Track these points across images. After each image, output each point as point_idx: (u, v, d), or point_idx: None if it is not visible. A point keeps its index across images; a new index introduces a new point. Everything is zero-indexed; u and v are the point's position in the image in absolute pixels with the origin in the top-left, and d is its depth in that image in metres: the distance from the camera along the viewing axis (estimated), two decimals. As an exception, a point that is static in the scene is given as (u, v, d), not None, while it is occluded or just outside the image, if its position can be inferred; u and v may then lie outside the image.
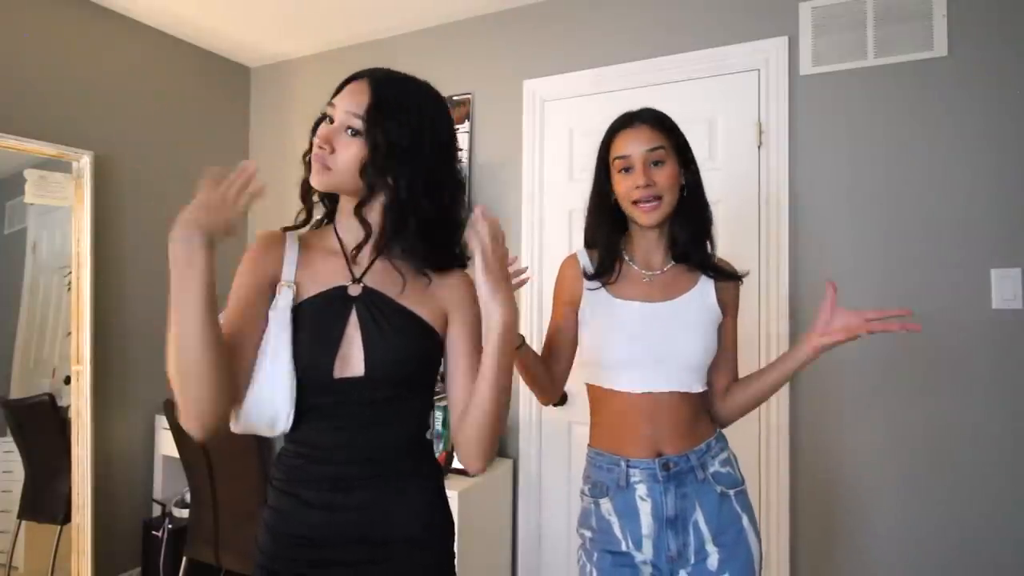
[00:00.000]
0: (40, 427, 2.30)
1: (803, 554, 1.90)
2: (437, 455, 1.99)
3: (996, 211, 1.72)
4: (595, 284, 1.19)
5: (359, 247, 0.92)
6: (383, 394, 0.90)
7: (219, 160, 3.35)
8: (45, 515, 2.27)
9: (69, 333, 2.30)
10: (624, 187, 1.15)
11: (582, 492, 1.21)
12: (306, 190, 0.96)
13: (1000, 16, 1.73)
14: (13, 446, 2.24)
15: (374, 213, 0.92)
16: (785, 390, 1.91)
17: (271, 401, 0.86)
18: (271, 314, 0.89)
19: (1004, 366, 1.70)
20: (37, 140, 2.20)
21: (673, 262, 1.21)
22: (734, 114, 2.03)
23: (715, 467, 1.15)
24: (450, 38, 2.53)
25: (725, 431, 1.25)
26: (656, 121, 1.17)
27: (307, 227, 1.00)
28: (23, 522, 2.25)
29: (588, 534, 1.17)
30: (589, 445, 1.23)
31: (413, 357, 0.92)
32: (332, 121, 0.89)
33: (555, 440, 2.27)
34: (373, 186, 0.88)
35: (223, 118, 2.97)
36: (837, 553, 1.87)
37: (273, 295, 0.91)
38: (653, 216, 1.14)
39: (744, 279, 1.23)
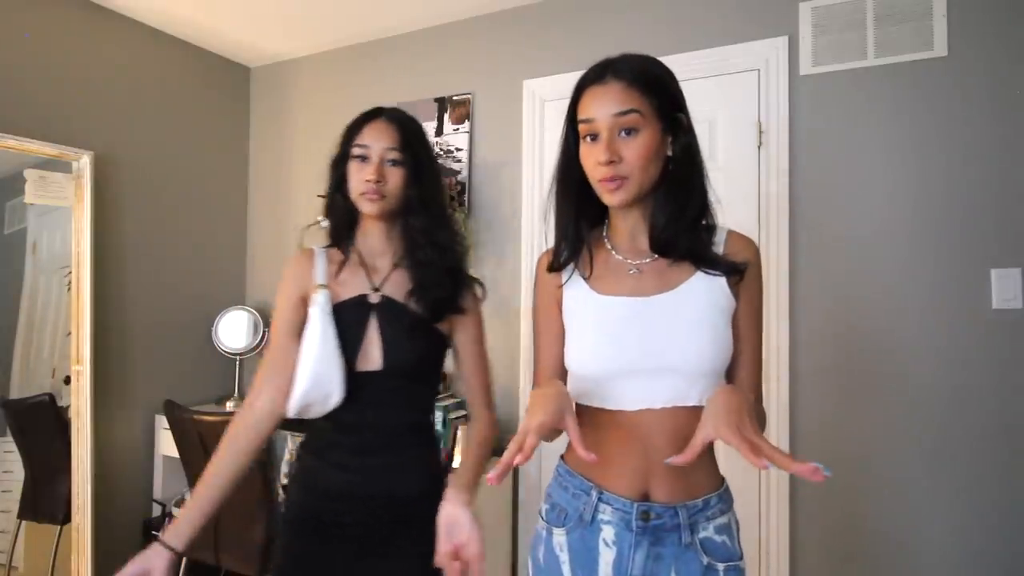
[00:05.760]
0: (40, 427, 2.29)
1: (803, 554, 1.90)
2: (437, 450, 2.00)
3: (996, 211, 1.72)
4: (578, 283, 0.97)
5: (413, 257, 1.14)
6: (397, 383, 1.11)
7: (219, 160, 3.37)
8: (45, 515, 2.26)
9: (69, 333, 2.30)
10: (589, 161, 0.90)
11: (539, 511, 1.02)
12: (339, 220, 1.17)
13: (1000, 16, 1.73)
14: (13, 446, 2.23)
15: (400, 227, 1.15)
16: (785, 390, 1.91)
17: (328, 378, 1.05)
18: (313, 311, 1.08)
19: (1004, 366, 1.70)
20: (37, 140, 2.20)
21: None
22: (734, 114, 2.03)
23: (707, 532, 0.89)
24: (450, 38, 2.53)
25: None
26: (634, 76, 0.87)
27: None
28: (23, 522, 2.25)
29: (530, 567, 1.00)
30: (561, 457, 1.03)
31: (423, 355, 1.14)
32: (364, 159, 1.09)
33: (555, 440, 2.27)
34: (412, 200, 1.11)
35: (223, 118, 2.96)
36: (837, 553, 1.87)
37: (305, 306, 1.11)
38: (616, 196, 0.89)
39: (744, 268, 0.92)
